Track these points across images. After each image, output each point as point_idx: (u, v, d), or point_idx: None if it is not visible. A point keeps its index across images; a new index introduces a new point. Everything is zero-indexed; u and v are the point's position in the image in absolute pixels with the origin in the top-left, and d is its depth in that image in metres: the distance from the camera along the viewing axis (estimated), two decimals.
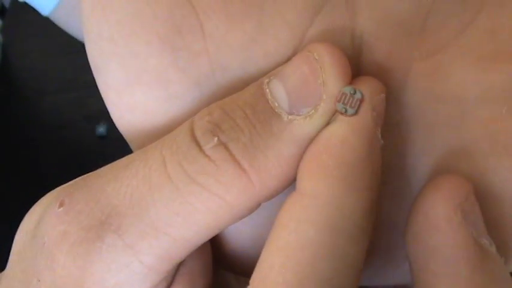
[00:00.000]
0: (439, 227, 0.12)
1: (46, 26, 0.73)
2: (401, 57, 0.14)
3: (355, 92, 0.13)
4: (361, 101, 0.13)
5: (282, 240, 0.12)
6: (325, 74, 0.13)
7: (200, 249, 0.14)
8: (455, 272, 0.12)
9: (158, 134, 0.15)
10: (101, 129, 0.65)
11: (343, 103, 0.13)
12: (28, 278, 0.14)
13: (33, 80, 0.71)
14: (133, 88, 0.15)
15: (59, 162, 0.63)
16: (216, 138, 0.13)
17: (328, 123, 0.13)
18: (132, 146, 0.16)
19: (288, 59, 0.14)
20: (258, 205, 0.13)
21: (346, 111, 0.13)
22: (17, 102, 0.69)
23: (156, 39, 0.14)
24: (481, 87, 0.13)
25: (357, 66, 0.14)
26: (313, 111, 0.13)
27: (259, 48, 0.14)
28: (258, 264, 0.13)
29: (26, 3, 0.51)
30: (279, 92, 0.13)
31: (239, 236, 0.16)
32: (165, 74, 0.14)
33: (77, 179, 0.15)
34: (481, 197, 0.13)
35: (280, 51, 0.14)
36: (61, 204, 0.14)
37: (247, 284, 0.18)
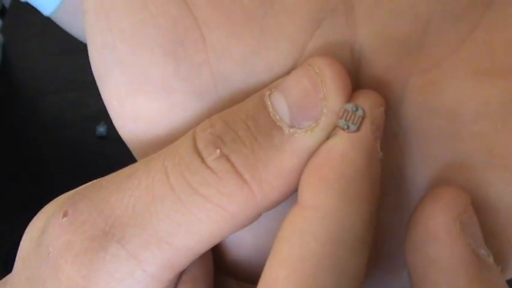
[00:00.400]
0: (438, 238, 0.13)
1: (46, 26, 0.73)
2: (399, 71, 0.14)
3: (357, 109, 0.13)
4: (363, 118, 0.13)
5: (285, 253, 0.12)
6: (326, 88, 0.13)
7: (202, 257, 0.14)
8: (454, 282, 0.12)
9: (160, 143, 0.15)
10: (101, 129, 0.65)
11: (345, 119, 0.13)
12: (33, 286, 0.14)
13: (34, 80, 0.71)
14: (136, 97, 0.15)
15: (59, 162, 0.63)
16: (218, 150, 0.13)
17: (328, 137, 0.13)
18: (134, 154, 0.16)
19: (289, 71, 0.14)
20: (259, 215, 0.14)
21: (348, 127, 0.13)
22: (17, 102, 0.70)
23: (159, 50, 0.14)
24: (476, 102, 0.14)
25: (356, 79, 0.15)
26: (314, 124, 0.13)
27: (260, 60, 0.14)
28: (262, 277, 0.13)
29: (27, 3, 0.51)
30: (280, 104, 0.13)
31: (241, 245, 0.16)
32: (168, 84, 0.15)
33: (80, 187, 0.15)
34: (477, 208, 0.13)
35: (281, 64, 0.14)
36: (65, 214, 0.14)
37: (250, 286, 0.18)
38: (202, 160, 0.13)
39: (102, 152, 0.64)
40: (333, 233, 0.12)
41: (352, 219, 0.12)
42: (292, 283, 0.12)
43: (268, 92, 0.14)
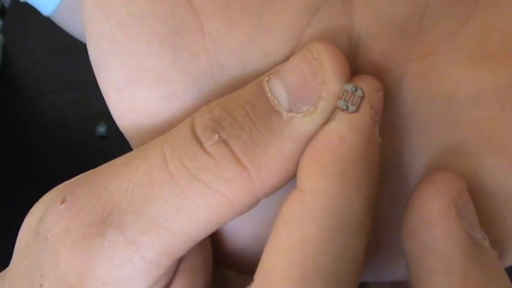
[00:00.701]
0: (434, 223, 0.13)
1: (46, 26, 0.73)
2: (397, 57, 0.14)
3: (356, 89, 0.13)
4: (362, 98, 0.13)
5: (285, 237, 0.12)
6: (325, 73, 0.13)
7: (201, 245, 0.14)
8: (450, 265, 0.12)
9: (158, 133, 0.15)
10: (101, 129, 0.65)
11: (344, 100, 0.13)
12: (32, 274, 0.14)
13: (34, 80, 0.71)
14: (134, 87, 0.15)
15: (59, 162, 0.63)
16: (216, 135, 0.13)
17: (327, 121, 0.13)
18: (132, 144, 0.16)
19: (286, 59, 0.14)
20: (258, 201, 0.14)
21: (347, 108, 0.13)
22: (17, 102, 0.69)
23: (157, 39, 0.14)
24: (473, 88, 0.14)
25: (354, 65, 0.15)
26: (312, 109, 0.13)
27: (257, 48, 0.14)
28: (261, 260, 0.13)
29: (26, 3, 0.51)
30: (279, 90, 0.13)
31: (239, 235, 0.16)
32: (165, 73, 0.15)
33: (78, 176, 0.15)
34: (475, 194, 0.13)
35: (279, 51, 0.14)
36: (63, 201, 0.14)
37: (250, 280, 0.18)
38: (201, 145, 0.13)
39: (102, 152, 0.64)
40: (332, 217, 0.12)
41: (351, 203, 0.12)
42: (291, 266, 0.12)
43: (266, 78, 0.14)
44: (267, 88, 0.14)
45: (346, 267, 0.12)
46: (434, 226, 0.13)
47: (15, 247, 0.15)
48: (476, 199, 0.13)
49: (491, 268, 0.13)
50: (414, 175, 0.15)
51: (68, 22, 0.51)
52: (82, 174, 0.15)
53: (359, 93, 0.13)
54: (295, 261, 0.12)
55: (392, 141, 0.15)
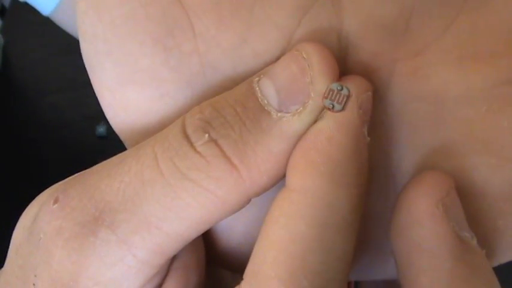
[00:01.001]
0: (421, 222, 0.13)
1: (46, 26, 0.73)
2: (385, 57, 0.14)
3: (342, 88, 0.13)
4: (348, 97, 0.13)
5: (274, 235, 0.13)
6: (313, 72, 0.13)
7: (193, 244, 0.15)
8: (438, 264, 0.12)
9: (151, 133, 0.15)
10: (101, 129, 0.65)
11: (330, 99, 0.13)
12: (25, 273, 0.14)
13: (34, 80, 0.71)
14: (126, 87, 0.15)
15: (59, 162, 0.63)
16: (206, 135, 0.13)
17: (316, 120, 0.13)
18: (126, 144, 0.16)
19: (277, 59, 0.14)
20: (249, 200, 0.14)
21: (333, 107, 0.13)
22: (17, 102, 0.69)
23: (149, 40, 0.14)
24: (461, 87, 0.14)
25: (344, 66, 0.15)
26: (301, 108, 0.13)
27: (248, 48, 0.14)
28: (251, 258, 0.13)
29: (26, 3, 0.51)
30: (268, 90, 0.14)
31: (231, 234, 0.16)
32: (158, 73, 0.15)
33: (71, 176, 0.15)
34: (463, 193, 0.13)
35: (269, 52, 0.14)
36: (56, 201, 0.14)
37: (241, 279, 0.18)
38: (191, 145, 0.13)
39: (102, 152, 0.63)
40: (321, 216, 0.12)
41: (339, 202, 0.12)
42: (280, 264, 0.12)
43: (256, 78, 0.14)
44: (257, 88, 0.14)
45: (335, 265, 0.12)
46: (422, 225, 0.13)
47: (10, 247, 0.15)
48: (464, 198, 0.13)
49: (478, 267, 0.13)
50: (403, 175, 0.15)
51: (67, 22, 0.52)
52: (75, 175, 0.15)
53: (345, 92, 0.13)
54: (283, 260, 0.12)
55: (381, 141, 0.15)
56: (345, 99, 0.13)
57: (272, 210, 0.13)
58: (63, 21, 0.52)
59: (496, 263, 0.14)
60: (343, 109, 0.13)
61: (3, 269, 0.16)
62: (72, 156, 0.64)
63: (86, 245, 0.13)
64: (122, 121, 0.15)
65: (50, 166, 0.64)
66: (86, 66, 0.16)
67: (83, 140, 0.66)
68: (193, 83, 0.15)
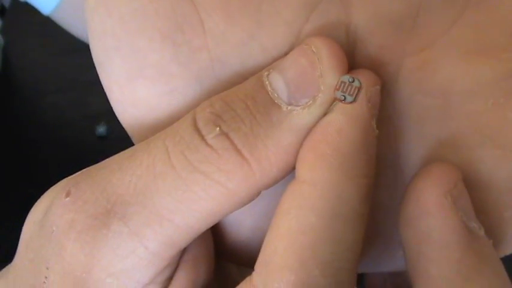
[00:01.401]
0: (430, 212, 0.13)
1: (46, 26, 0.73)
2: (393, 52, 0.14)
3: (353, 80, 0.13)
4: (359, 88, 0.13)
5: (284, 226, 0.13)
6: (323, 66, 0.13)
7: (202, 237, 0.15)
8: (447, 254, 0.13)
9: (160, 128, 0.15)
10: (101, 129, 0.65)
11: (342, 91, 0.13)
12: (37, 267, 0.14)
13: (33, 79, 0.71)
14: (136, 83, 0.15)
15: (59, 162, 0.63)
16: (217, 128, 0.13)
17: (325, 113, 0.14)
18: (134, 140, 0.16)
19: (285, 54, 0.14)
20: (258, 193, 0.14)
21: (345, 98, 0.13)
22: (17, 102, 0.69)
23: (158, 35, 0.14)
24: (467, 81, 0.14)
25: (352, 60, 0.15)
26: (311, 101, 0.13)
27: (257, 44, 0.15)
28: (262, 249, 0.13)
29: (26, 3, 0.51)
30: (278, 83, 0.14)
31: (239, 228, 0.16)
32: (167, 69, 0.15)
33: (82, 170, 0.15)
34: (470, 185, 0.14)
35: (278, 47, 0.15)
36: (67, 194, 0.14)
37: (250, 272, 0.18)
38: (202, 138, 0.13)
39: (102, 152, 0.63)
40: (331, 207, 0.13)
41: (349, 194, 0.13)
42: (291, 254, 0.12)
43: (266, 73, 0.14)
44: (267, 82, 0.14)
45: (345, 255, 0.13)
46: (431, 216, 0.13)
47: (20, 242, 0.15)
48: (471, 190, 0.13)
49: (487, 256, 0.13)
50: (410, 167, 0.15)
51: (67, 21, 0.52)
52: (86, 169, 0.15)
53: (356, 83, 0.13)
54: (294, 250, 0.12)
55: (389, 134, 0.15)
56: (356, 91, 0.13)
57: (282, 202, 0.13)
58: (63, 20, 0.52)
59: (502, 254, 0.15)
60: (354, 100, 0.13)
61: (12, 263, 0.16)
62: (72, 156, 0.64)
63: (99, 237, 0.13)
64: (130, 116, 0.16)
65: (50, 166, 0.64)
66: (95, 62, 0.16)
67: (83, 140, 0.66)
68: (202, 79, 0.15)
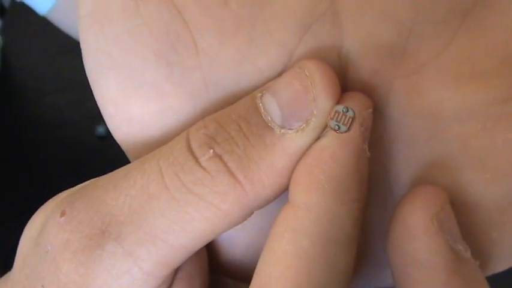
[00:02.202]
0: (417, 235, 0.13)
1: (46, 26, 0.73)
2: (384, 75, 0.15)
3: (347, 110, 0.14)
4: (353, 119, 0.14)
5: (279, 250, 0.13)
6: (316, 90, 0.14)
7: (196, 254, 0.15)
8: (433, 277, 0.13)
9: (154, 145, 0.15)
10: (101, 130, 0.65)
11: (336, 121, 0.14)
12: (32, 283, 0.14)
13: (33, 80, 0.71)
14: (130, 101, 0.15)
15: (59, 163, 0.63)
16: (211, 151, 0.13)
17: (319, 137, 0.14)
18: (128, 156, 0.16)
19: (279, 75, 0.15)
20: (251, 213, 0.14)
21: (339, 128, 0.13)
22: (16, 102, 0.69)
23: (152, 55, 0.15)
24: (457, 105, 0.14)
25: (344, 82, 0.15)
26: (304, 125, 0.14)
27: (250, 64, 0.15)
28: (256, 273, 0.13)
29: (23, 3, 0.51)
30: (271, 106, 0.14)
31: (234, 245, 0.17)
32: (161, 88, 0.15)
33: (76, 187, 0.15)
34: (458, 207, 0.14)
35: (271, 68, 0.15)
36: (62, 214, 0.14)
37: (245, 285, 0.18)
38: (196, 160, 0.13)
39: (102, 152, 0.63)
40: (325, 232, 0.13)
41: (342, 218, 0.13)
42: (287, 279, 0.12)
43: (259, 94, 0.14)
44: (260, 104, 0.14)
45: (338, 278, 0.13)
46: (418, 239, 0.13)
47: (17, 253, 0.16)
48: (459, 211, 0.14)
49: (472, 278, 0.13)
50: (400, 187, 0.15)
51: (63, 22, 0.52)
52: (80, 186, 0.15)
53: (350, 114, 0.14)
54: (290, 275, 0.12)
55: (379, 155, 0.15)
56: (350, 121, 0.13)
57: (277, 226, 0.13)
58: (59, 20, 0.52)
59: (489, 273, 0.15)
60: (348, 130, 0.13)
61: (11, 273, 0.16)
62: (72, 156, 0.64)
63: (93, 257, 0.13)
64: (124, 134, 0.16)
65: (49, 166, 0.64)
66: (89, 79, 0.16)
67: (83, 140, 0.66)
68: (196, 98, 0.15)
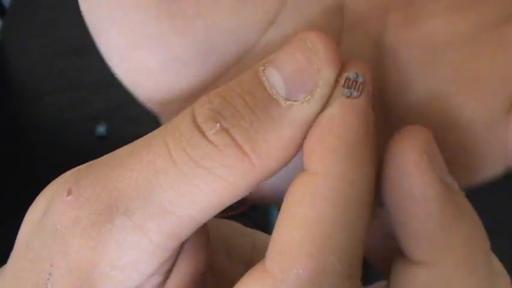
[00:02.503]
0: (410, 172, 0.14)
1: (46, 26, 0.73)
2: (380, 8, 0.15)
3: (357, 76, 0.14)
4: (364, 83, 0.14)
5: (299, 216, 0.13)
6: (320, 61, 0.14)
7: (201, 228, 0.15)
8: (428, 207, 0.13)
9: (162, 92, 0.16)
10: (101, 130, 0.65)
11: (347, 88, 0.14)
12: (39, 266, 0.14)
13: (33, 80, 0.71)
14: (135, 52, 0.15)
15: (59, 163, 0.63)
16: (218, 125, 0.14)
17: (324, 107, 0.14)
18: (138, 97, 0.17)
19: (276, 13, 0.15)
20: (257, 184, 0.14)
21: (351, 94, 0.14)
22: (16, 102, 0.69)
23: (153, 7, 0.15)
24: (448, 34, 0.15)
25: (341, 16, 0.15)
26: (309, 96, 0.14)
27: (250, 7, 0.15)
28: (274, 238, 0.14)
29: (27, 5, 0.51)
30: (275, 79, 0.14)
31: None
32: (165, 39, 0.15)
33: (80, 166, 0.15)
34: (450, 130, 0.15)
35: (269, 7, 0.15)
36: (69, 193, 0.14)
37: (241, 260, 0.18)
38: (203, 134, 0.14)
39: (102, 152, 0.63)
40: (344, 195, 0.13)
41: (358, 181, 0.13)
42: (309, 242, 0.13)
43: (262, 68, 0.14)
44: (264, 78, 0.14)
45: (357, 241, 0.13)
46: (411, 175, 0.13)
47: (16, 242, 0.15)
48: (450, 133, 0.15)
49: (464, 206, 0.14)
50: (395, 112, 0.16)
51: None
52: (83, 165, 0.15)
53: (360, 79, 0.14)
54: (312, 238, 0.13)
55: (376, 85, 0.16)
56: (361, 87, 0.14)
57: (293, 192, 0.14)
58: None
59: (470, 185, 0.16)
60: (360, 95, 0.14)
61: (7, 266, 0.16)
62: (72, 157, 0.63)
63: (103, 232, 0.14)
64: (133, 81, 0.16)
65: (49, 166, 0.64)
66: (90, 29, 0.16)
67: (82, 140, 0.66)
68: (199, 45, 0.15)
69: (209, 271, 0.17)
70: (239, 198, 0.14)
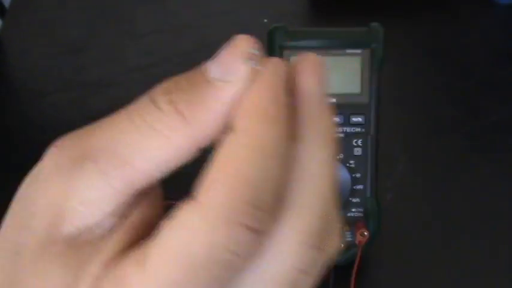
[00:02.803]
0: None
1: (46, 26, 0.73)
2: None
3: (253, 50, 0.19)
4: (258, 56, 0.18)
5: (221, 163, 0.17)
6: (241, 54, 0.18)
7: (155, 185, 0.19)
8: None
9: None
10: None
11: (250, 59, 0.18)
12: (24, 209, 0.18)
13: (33, 80, 0.71)
14: None
15: None
16: (167, 97, 0.18)
17: (246, 84, 0.18)
18: None
19: None
20: (197, 149, 0.18)
21: (255, 65, 0.18)
22: (16, 102, 0.69)
23: None
24: None
25: None
26: (233, 78, 0.18)
27: None
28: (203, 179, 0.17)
29: (27, 3, 0.51)
30: (212, 67, 0.19)
31: None
32: None
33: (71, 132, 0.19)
34: None
35: None
36: (55, 146, 0.19)
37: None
38: (156, 105, 0.18)
39: None
40: (264, 150, 0.17)
41: (277, 137, 0.17)
42: (227, 185, 0.17)
43: (204, 66, 0.19)
44: (204, 67, 0.19)
45: (276, 192, 0.17)
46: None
47: (15, 198, 0.19)
48: None
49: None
50: None
51: None
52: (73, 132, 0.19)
53: (256, 52, 0.18)
54: (234, 188, 0.17)
55: None
56: (257, 58, 0.18)
57: (221, 145, 0.18)
58: None
59: None
60: (259, 64, 0.18)
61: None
62: None
63: (76, 173, 0.18)
64: None
65: None
66: None
67: None
68: None
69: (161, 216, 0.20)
70: (184, 159, 0.18)
